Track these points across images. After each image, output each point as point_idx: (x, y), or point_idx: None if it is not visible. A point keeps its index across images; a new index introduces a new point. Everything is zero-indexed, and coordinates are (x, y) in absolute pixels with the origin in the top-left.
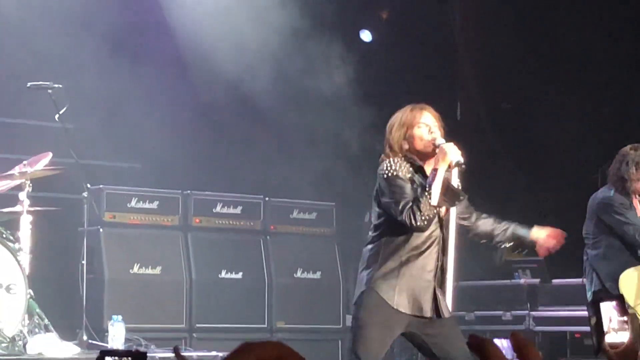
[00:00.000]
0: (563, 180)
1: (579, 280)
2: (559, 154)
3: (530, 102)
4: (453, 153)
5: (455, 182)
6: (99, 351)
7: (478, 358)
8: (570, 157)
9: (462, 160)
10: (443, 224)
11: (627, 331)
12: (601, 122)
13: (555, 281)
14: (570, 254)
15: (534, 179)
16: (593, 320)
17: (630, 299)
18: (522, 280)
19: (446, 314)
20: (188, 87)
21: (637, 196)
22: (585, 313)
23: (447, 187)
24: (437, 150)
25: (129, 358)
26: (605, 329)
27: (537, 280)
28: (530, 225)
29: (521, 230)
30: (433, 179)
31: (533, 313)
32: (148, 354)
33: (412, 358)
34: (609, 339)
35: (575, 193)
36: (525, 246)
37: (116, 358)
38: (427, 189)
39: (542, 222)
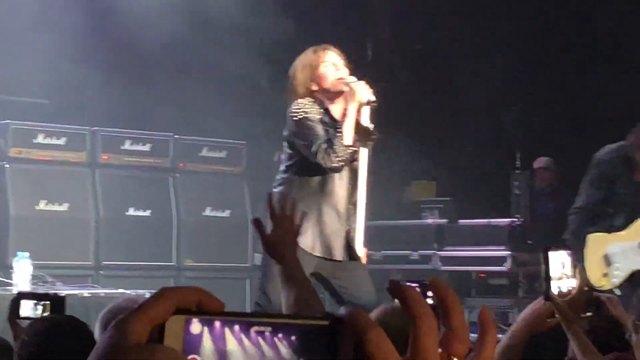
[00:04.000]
0: (476, 120)
1: (485, 220)
2: (472, 96)
3: (444, 43)
4: (363, 91)
5: (366, 120)
6: (16, 292)
7: (399, 303)
8: (482, 98)
9: (372, 97)
10: (353, 165)
11: (574, 280)
12: (514, 64)
13: (462, 221)
14: (477, 195)
15: (448, 120)
16: (542, 268)
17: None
18: (429, 220)
19: (356, 256)
20: (100, 23)
21: None
22: (490, 253)
23: (358, 126)
24: (346, 89)
25: (48, 302)
26: (553, 276)
27: (444, 220)
28: (445, 162)
29: None
30: (344, 119)
31: (440, 253)
32: (53, 291)
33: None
34: (557, 286)
35: (487, 133)
36: None
37: (35, 301)
38: (338, 128)
39: (455, 162)
